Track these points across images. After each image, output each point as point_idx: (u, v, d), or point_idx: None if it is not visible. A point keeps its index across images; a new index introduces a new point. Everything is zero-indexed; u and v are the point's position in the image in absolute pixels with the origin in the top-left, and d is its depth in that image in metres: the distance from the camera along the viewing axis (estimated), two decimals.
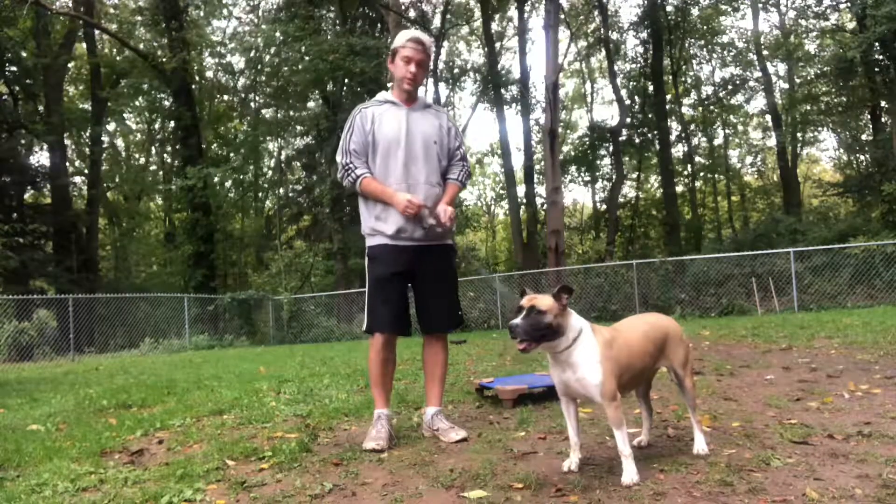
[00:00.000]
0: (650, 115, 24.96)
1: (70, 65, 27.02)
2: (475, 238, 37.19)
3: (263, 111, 27.13)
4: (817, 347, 5.44)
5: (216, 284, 22.06)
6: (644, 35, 25.56)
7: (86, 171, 29.49)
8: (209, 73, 27.89)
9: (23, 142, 23.96)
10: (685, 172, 28.00)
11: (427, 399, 3.20)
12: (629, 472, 2.15)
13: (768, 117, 25.34)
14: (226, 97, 29.20)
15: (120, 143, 33.00)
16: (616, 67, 25.72)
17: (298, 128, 25.06)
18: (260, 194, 31.20)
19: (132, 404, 4.64)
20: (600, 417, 3.18)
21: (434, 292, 3.10)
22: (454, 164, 3.18)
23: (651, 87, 25.17)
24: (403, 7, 22.49)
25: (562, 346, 2.19)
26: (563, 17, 21.71)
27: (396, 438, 2.98)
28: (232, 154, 26.74)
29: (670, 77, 26.21)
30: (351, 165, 3.01)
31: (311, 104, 24.16)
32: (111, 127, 30.14)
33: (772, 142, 26.19)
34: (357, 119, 3.06)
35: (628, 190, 28.91)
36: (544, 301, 2.18)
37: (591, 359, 2.17)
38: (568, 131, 32.02)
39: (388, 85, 3.08)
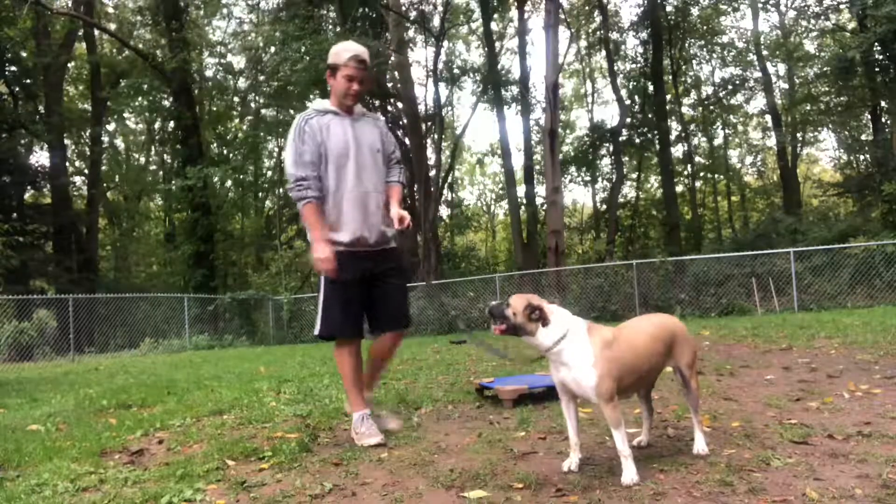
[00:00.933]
0: (650, 115, 24.93)
1: (70, 65, 27.03)
2: (475, 238, 37.18)
3: (263, 111, 27.12)
4: (817, 347, 5.44)
5: (216, 284, 22.04)
6: (644, 35, 25.54)
7: (86, 171, 29.51)
8: (209, 73, 27.92)
9: (23, 142, 23.98)
10: (685, 172, 27.99)
11: (365, 388, 3.27)
12: (629, 473, 2.17)
13: (768, 117, 25.33)
14: (226, 97, 29.17)
15: (120, 143, 33.03)
16: (616, 67, 25.71)
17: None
18: (260, 194, 31.20)
19: (132, 404, 4.64)
20: (600, 417, 3.18)
21: (388, 295, 3.18)
22: (392, 167, 3.29)
23: (651, 87, 25.14)
24: (403, 7, 22.50)
25: (542, 345, 2.25)
26: (563, 17, 21.69)
27: (395, 438, 2.98)
28: (232, 154, 26.75)
29: (670, 77, 26.19)
30: (306, 182, 3.00)
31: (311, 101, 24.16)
32: (111, 127, 30.17)
33: (772, 142, 26.20)
34: (307, 129, 3.05)
35: (628, 190, 28.92)
36: (518, 301, 2.27)
37: (586, 359, 2.20)
38: (568, 131, 32.01)
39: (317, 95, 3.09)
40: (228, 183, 26.01)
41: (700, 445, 2.46)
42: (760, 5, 24.58)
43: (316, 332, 3.15)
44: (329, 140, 3.06)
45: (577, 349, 2.21)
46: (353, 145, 3.09)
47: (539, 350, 2.28)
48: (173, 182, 23.11)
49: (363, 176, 3.09)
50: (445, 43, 24.91)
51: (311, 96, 22.93)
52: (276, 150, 28.42)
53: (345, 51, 3.09)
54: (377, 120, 3.32)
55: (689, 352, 2.47)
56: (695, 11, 25.34)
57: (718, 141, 29.21)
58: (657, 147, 25.08)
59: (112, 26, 25.87)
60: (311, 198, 3.00)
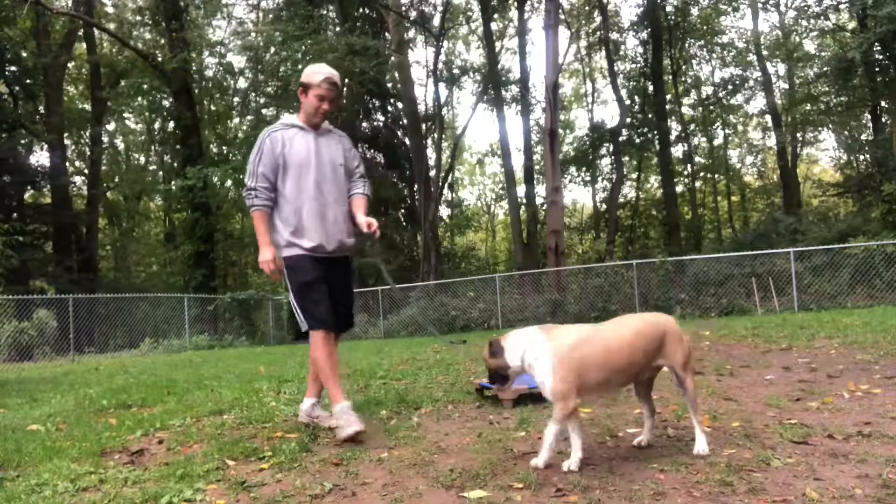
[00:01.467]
0: (650, 115, 24.94)
1: (70, 65, 27.02)
2: (475, 238, 37.18)
3: (263, 111, 27.11)
4: (817, 347, 5.43)
5: (216, 284, 22.05)
6: (644, 35, 25.54)
7: (86, 171, 29.51)
8: (209, 73, 27.89)
9: (23, 142, 23.98)
10: (685, 172, 28.00)
11: (311, 390, 3.47)
12: (541, 458, 2.38)
13: (768, 117, 25.34)
14: (226, 97, 29.17)
15: (120, 143, 33.02)
16: (616, 67, 25.70)
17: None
18: None
19: (132, 404, 4.64)
20: (600, 417, 3.18)
21: (340, 300, 3.37)
22: (356, 181, 3.50)
23: (651, 87, 25.15)
24: (403, 8, 22.49)
25: (513, 369, 2.45)
26: (563, 17, 21.71)
27: (395, 438, 2.98)
28: (232, 154, 26.73)
29: (670, 77, 26.19)
30: (255, 192, 3.24)
31: None
32: (111, 127, 30.16)
33: (772, 142, 26.21)
34: (267, 142, 3.26)
35: (628, 190, 28.93)
36: (484, 352, 2.52)
37: (544, 365, 2.35)
38: (568, 131, 32.01)
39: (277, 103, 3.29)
40: (228, 183, 25.99)
41: (701, 446, 2.46)
42: (760, 5, 24.60)
43: (304, 328, 3.26)
44: (290, 151, 3.26)
45: (536, 360, 2.37)
46: (314, 158, 3.28)
47: (516, 373, 2.47)
48: (173, 182, 23.11)
49: (323, 188, 3.28)
50: (445, 43, 24.92)
51: None
52: None
53: (318, 73, 3.28)
54: (342, 137, 3.51)
55: (681, 351, 2.49)
56: (695, 11, 25.35)
57: (718, 141, 29.23)
58: (657, 147, 25.07)
59: (112, 26, 25.85)
60: (258, 206, 3.25)
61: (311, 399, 3.48)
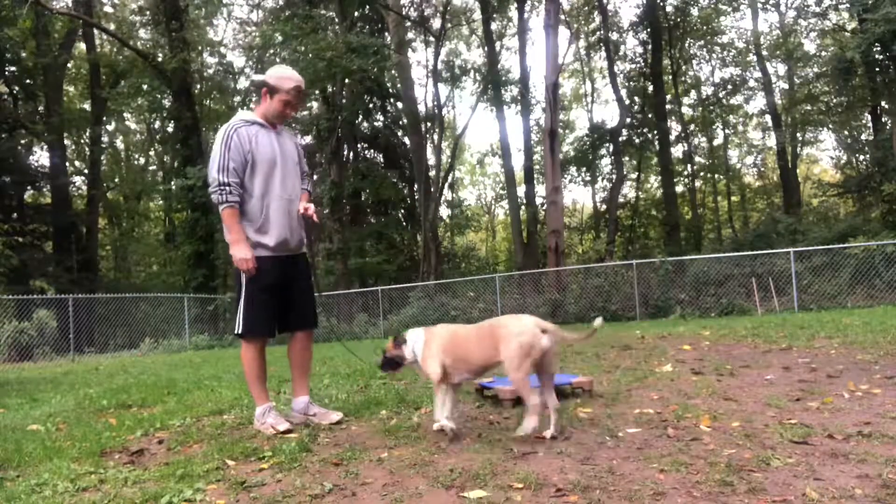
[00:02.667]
0: (650, 115, 24.95)
1: (70, 64, 27.02)
2: (475, 238, 37.16)
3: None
4: (817, 347, 5.43)
5: (216, 284, 22.04)
6: (644, 35, 25.55)
7: (86, 171, 29.50)
8: (209, 72, 27.90)
9: (23, 142, 23.99)
10: (685, 172, 27.99)
11: (300, 389, 3.59)
12: (436, 423, 2.92)
13: (768, 117, 25.34)
14: (226, 97, 29.17)
15: (120, 143, 33.03)
16: (616, 67, 25.70)
17: (297, 128, 25.08)
18: None
19: (132, 404, 4.64)
20: (600, 417, 3.19)
21: (304, 296, 3.50)
22: (304, 177, 3.60)
23: (651, 87, 25.16)
24: (404, 9, 22.49)
25: (408, 361, 3.09)
26: (563, 17, 21.70)
27: (395, 437, 2.99)
28: None
29: (670, 77, 26.19)
30: (228, 188, 3.21)
31: (311, 104, 24.17)
32: (111, 127, 30.17)
33: (772, 142, 26.20)
34: (234, 138, 3.24)
35: (628, 190, 28.92)
36: (388, 346, 3.15)
37: (419, 347, 3.05)
38: (568, 131, 32.01)
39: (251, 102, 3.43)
40: None
41: (527, 426, 2.80)
42: (760, 5, 24.60)
43: (238, 331, 3.33)
44: (257, 149, 3.28)
45: (416, 352, 3.05)
46: (279, 156, 3.35)
47: (410, 363, 3.11)
48: (173, 182, 23.10)
49: (287, 184, 3.37)
50: (445, 43, 24.91)
51: (311, 96, 22.98)
52: None
53: (288, 79, 3.33)
54: (293, 135, 3.65)
55: (506, 349, 2.82)
56: (694, 11, 25.35)
57: (718, 141, 29.23)
58: (657, 147, 25.08)
59: (111, 26, 25.86)
60: (231, 202, 3.22)
61: (303, 397, 3.56)
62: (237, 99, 28.97)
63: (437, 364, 2.95)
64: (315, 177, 23.63)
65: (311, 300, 3.56)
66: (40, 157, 26.25)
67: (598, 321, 3.00)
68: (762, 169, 29.90)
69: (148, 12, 24.76)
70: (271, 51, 21.58)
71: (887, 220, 16.33)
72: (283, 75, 3.34)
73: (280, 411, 3.61)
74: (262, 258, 3.29)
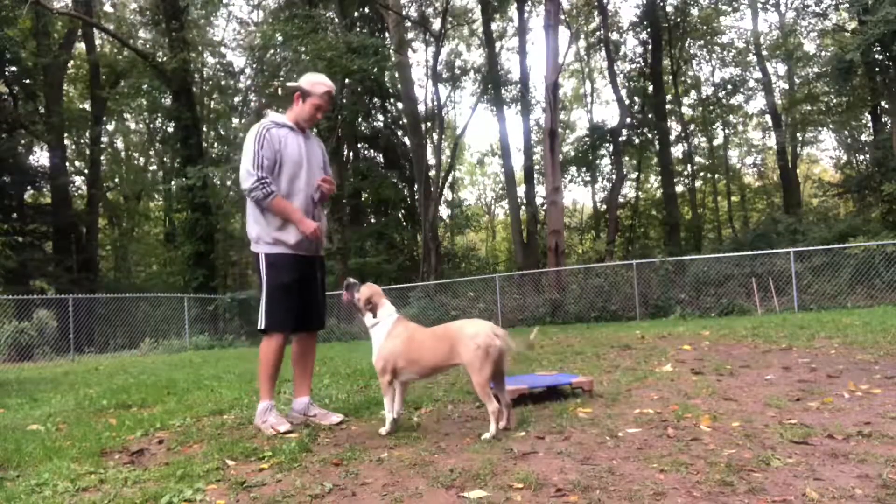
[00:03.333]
0: (650, 115, 24.94)
1: (70, 64, 27.01)
2: (475, 238, 37.15)
3: (264, 111, 27.10)
4: (817, 347, 5.43)
5: (216, 284, 22.03)
6: (644, 35, 25.55)
7: (86, 171, 29.48)
8: (209, 72, 27.89)
9: (23, 142, 23.98)
10: (685, 172, 27.99)
11: (301, 389, 3.64)
12: (386, 428, 3.07)
13: (768, 117, 25.33)
14: (226, 97, 29.16)
15: (120, 143, 33.02)
16: (616, 67, 25.70)
17: None
18: None
19: (132, 404, 4.64)
20: (600, 417, 3.19)
21: (319, 297, 3.59)
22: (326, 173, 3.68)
23: (651, 87, 25.15)
24: (404, 10, 22.49)
25: (365, 323, 3.23)
26: (563, 17, 21.69)
27: (395, 437, 2.98)
28: (232, 154, 26.74)
29: (670, 77, 26.18)
30: (267, 181, 3.28)
31: None
32: (111, 127, 30.15)
33: (772, 142, 26.20)
34: (267, 136, 3.33)
35: (628, 190, 28.92)
36: (365, 291, 3.23)
37: (377, 342, 3.15)
38: (568, 131, 32.02)
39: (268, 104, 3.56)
40: (229, 182, 26.02)
41: (491, 431, 2.86)
42: (760, 5, 24.60)
43: (261, 326, 3.40)
44: (285, 150, 3.37)
45: (376, 333, 3.15)
46: (305, 159, 3.43)
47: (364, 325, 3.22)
48: (173, 182, 23.10)
49: (310, 189, 3.45)
50: (446, 43, 24.91)
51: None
52: None
53: (321, 84, 3.46)
54: (319, 140, 3.71)
55: (466, 353, 2.89)
56: (694, 11, 25.34)
57: (718, 141, 29.22)
58: (657, 147, 25.08)
59: (111, 26, 25.85)
60: (276, 192, 3.30)
61: (304, 398, 3.60)
62: (237, 99, 28.98)
63: (389, 366, 3.07)
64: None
65: (322, 302, 3.63)
66: (40, 157, 26.26)
67: (535, 331, 3.19)
68: (762, 169, 29.90)
69: (148, 12, 24.75)
70: (272, 51, 21.55)
71: (887, 220, 16.32)
72: (316, 80, 3.46)
73: (280, 412, 3.62)
74: (282, 255, 3.37)
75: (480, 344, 2.87)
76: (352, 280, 3.32)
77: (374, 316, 3.17)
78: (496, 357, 2.90)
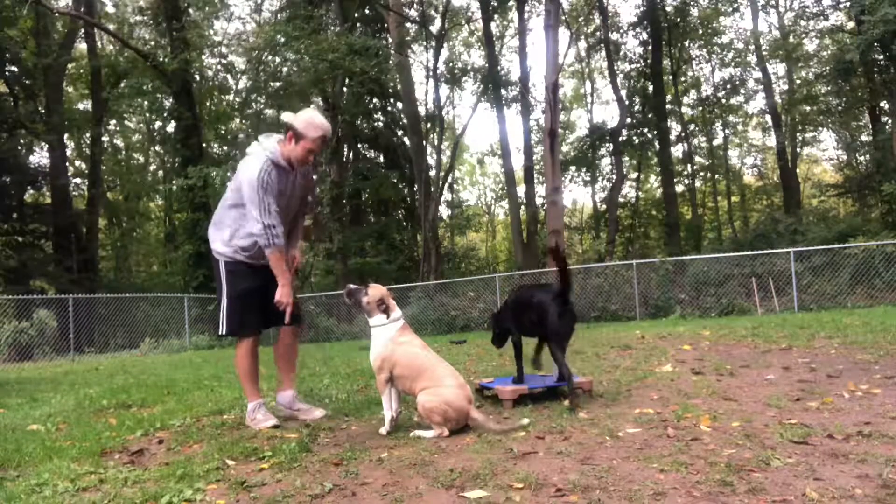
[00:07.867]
0: (650, 115, 24.94)
1: (70, 65, 27.00)
2: (475, 238, 37.16)
3: (266, 111, 27.12)
4: (817, 347, 5.43)
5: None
6: (644, 35, 25.55)
7: (86, 171, 29.48)
8: (210, 73, 27.88)
9: (23, 142, 23.96)
10: (685, 172, 27.99)
11: (286, 384, 3.70)
12: (385, 427, 3.14)
13: (768, 117, 25.33)
14: (226, 97, 29.17)
15: (120, 143, 33.01)
16: (616, 67, 25.70)
17: None
18: None
19: (132, 404, 4.64)
20: (600, 418, 3.19)
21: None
22: (309, 207, 3.81)
23: (651, 87, 25.15)
24: (405, 10, 22.47)
25: (371, 322, 3.26)
26: (563, 17, 21.68)
27: (395, 437, 2.98)
28: (233, 154, 26.74)
29: (670, 77, 26.18)
30: (273, 230, 3.31)
31: (311, 105, 24.18)
32: (111, 127, 30.15)
33: (772, 142, 26.20)
34: (269, 181, 3.33)
35: (628, 190, 28.93)
36: (374, 292, 3.25)
37: (376, 343, 3.22)
38: (568, 131, 32.02)
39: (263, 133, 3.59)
40: (229, 183, 26.00)
41: (421, 433, 3.03)
42: (760, 5, 24.59)
43: (221, 331, 3.48)
44: (275, 187, 3.40)
45: (382, 335, 3.20)
46: (288, 197, 3.49)
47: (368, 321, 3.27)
48: (173, 182, 23.09)
49: (286, 220, 3.51)
50: (446, 43, 24.91)
51: (312, 97, 23.01)
52: None
53: (316, 128, 3.36)
54: (310, 170, 3.67)
55: (432, 400, 3.05)
56: (694, 12, 25.34)
57: (718, 141, 29.23)
58: (657, 147, 25.07)
59: (112, 26, 25.84)
60: (279, 245, 3.33)
61: (289, 391, 3.68)
62: (237, 99, 28.98)
63: (386, 366, 3.18)
64: (315, 177, 23.62)
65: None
66: (40, 157, 26.22)
67: (526, 422, 3.11)
68: (762, 169, 29.91)
69: (148, 12, 24.74)
70: (268, 52, 21.54)
71: (887, 220, 16.32)
72: (312, 123, 3.36)
73: (271, 408, 3.65)
74: (241, 263, 3.46)
75: (449, 406, 3.01)
76: (353, 286, 3.34)
77: (388, 317, 3.22)
78: (456, 419, 3.04)
